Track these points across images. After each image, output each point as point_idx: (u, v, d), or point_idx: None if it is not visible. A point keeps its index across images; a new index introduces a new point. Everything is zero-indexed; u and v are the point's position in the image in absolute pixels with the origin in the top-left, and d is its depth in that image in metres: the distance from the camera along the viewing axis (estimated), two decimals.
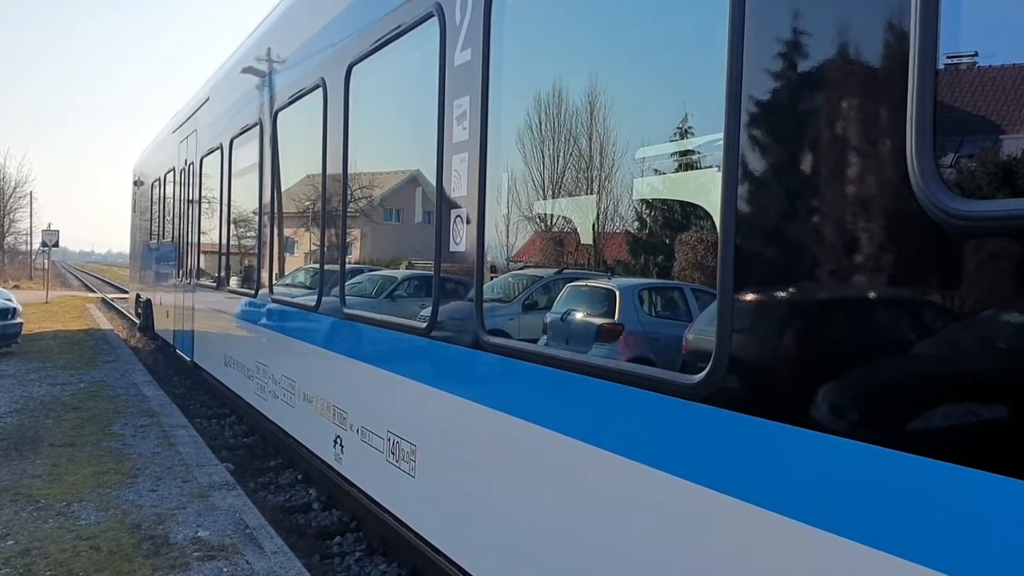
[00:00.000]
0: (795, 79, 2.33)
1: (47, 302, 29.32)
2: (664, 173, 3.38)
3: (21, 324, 16.03)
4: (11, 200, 64.07)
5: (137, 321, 20.02)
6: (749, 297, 2.41)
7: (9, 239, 65.66)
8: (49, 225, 35.19)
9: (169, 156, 14.19)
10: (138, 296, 19.40)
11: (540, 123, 3.90)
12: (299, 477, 8.13)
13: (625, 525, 2.89)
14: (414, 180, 5.14)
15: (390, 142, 5.60)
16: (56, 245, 34.09)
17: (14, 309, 15.81)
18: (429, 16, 4.46)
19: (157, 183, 15.89)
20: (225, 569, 5.16)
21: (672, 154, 3.26)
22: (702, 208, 3.10)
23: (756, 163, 2.43)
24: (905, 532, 1.93)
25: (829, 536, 2.10)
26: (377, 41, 5.15)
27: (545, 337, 3.88)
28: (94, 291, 44.30)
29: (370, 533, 6.38)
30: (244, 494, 6.85)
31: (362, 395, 5.53)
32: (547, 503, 3.39)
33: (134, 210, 20.46)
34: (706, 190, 2.87)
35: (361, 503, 5.73)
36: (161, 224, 15.43)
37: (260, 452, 9.22)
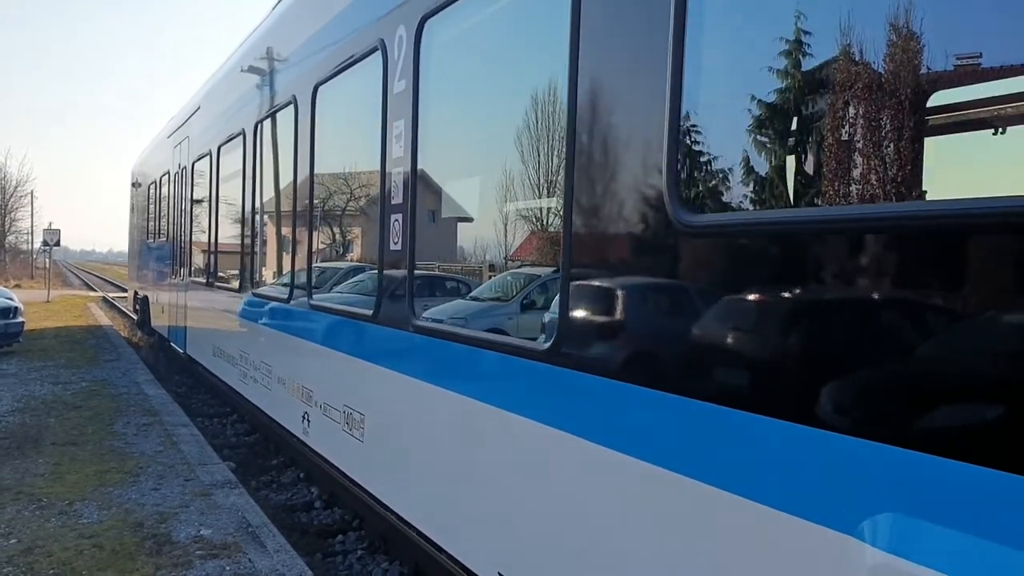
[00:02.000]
0: (591, 123, 3.20)
1: (48, 301, 29.34)
2: (533, 189, 4.31)
3: (23, 323, 16.04)
4: (12, 199, 64.09)
5: (135, 317, 20.73)
6: (577, 286, 3.27)
7: (10, 238, 65.67)
8: (50, 224, 35.19)
9: (164, 160, 14.90)
10: (136, 293, 20.30)
11: (459, 143, 4.97)
12: (301, 476, 8.14)
13: (501, 456, 3.81)
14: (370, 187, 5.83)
15: (349, 154, 6.23)
16: (57, 244, 34.10)
17: (16, 308, 15.82)
18: (374, 50, 5.15)
19: (153, 185, 16.57)
20: (228, 568, 5.17)
21: (533, 172, 4.24)
22: (556, 220, 4.00)
23: (581, 188, 3.26)
24: (671, 447, 2.74)
25: (627, 458, 2.92)
26: (337, 67, 5.83)
27: (453, 320, 4.73)
28: (95, 290, 44.34)
29: (372, 532, 6.39)
30: (246, 493, 6.86)
31: (324, 375, 6.29)
32: (452, 450, 4.33)
33: (132, 211, 21.14)
34: (557, 205, 3.83)
35: (326, 471, 6.47)
36: (156, 225, 16.22)
37: (262, 451, 9.24)
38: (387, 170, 4.96)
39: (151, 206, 16.92)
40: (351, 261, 6.52)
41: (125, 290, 33.10)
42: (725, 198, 2.84)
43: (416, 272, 4.75)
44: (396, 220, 4.88)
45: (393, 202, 4.90)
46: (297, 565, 5.26)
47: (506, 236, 4.61)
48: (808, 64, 2.52)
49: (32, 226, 62.67)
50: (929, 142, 2.35)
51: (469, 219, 5.37)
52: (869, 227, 2.17)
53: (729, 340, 2.58)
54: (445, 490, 4.42)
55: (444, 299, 5.11)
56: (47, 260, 39.00)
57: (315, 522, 6.94)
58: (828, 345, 2.27)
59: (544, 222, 4.36)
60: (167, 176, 14.48)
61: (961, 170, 2.50)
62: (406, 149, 4.70)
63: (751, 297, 2.55)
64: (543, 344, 3.44)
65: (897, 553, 1.95)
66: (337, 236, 6.43)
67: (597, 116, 3.19)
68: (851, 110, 2.44)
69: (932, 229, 2.01)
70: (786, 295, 2.46)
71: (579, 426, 3.18)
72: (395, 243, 4.90)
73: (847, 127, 2.45)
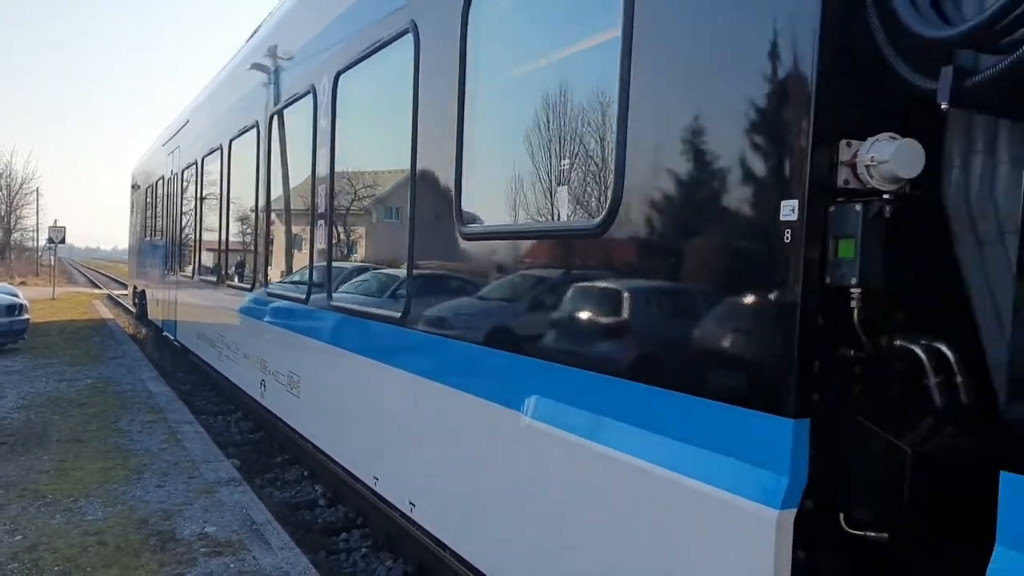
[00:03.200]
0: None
1: (54, 298, 29.42)
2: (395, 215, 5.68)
3: (28, 320, 16.08)
4: (18, 197, 64.26)
5: (134, 310, 21.92)
6: (416, 275, 4.77)
7: (16, 236, 65.87)
8: (56, 222, 35.30)
9: (159, 165, 16.31)
10: (135, 288, 21.90)
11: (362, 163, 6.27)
12: (305, 473, 8.14)
13: (376, 392, 5.35)
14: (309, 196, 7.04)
15: (296, 173, 7.48)
16: (63, 241, 34.19)
17: (21, 305, 15.86)
18: (307, 93, 6.73)
19: (150, 188, 17.92)
20: (232, 565, 5.17)
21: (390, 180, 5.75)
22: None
23: (418, 216, 4.74)
24: (451, 371, 4.28)
25: (438, 384, 4.40)
26: (290, 99, 7.25)
27: (358, 299, 5.96)
28: (100, 287, 44.43)
29: (376, 530, 6.39)
30: (250, 490, 6.87)
31: (275, 349, 7.78)
32: (354, 396, 5.80)
33: (132, 211, 22.37)
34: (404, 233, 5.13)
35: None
36: (152, 225, 17.69)
37: (266, 448, 9.24)
38: (315, 187, 6.57)
39: (148, 207, 18.29)
40: (293, 257, 8.00)
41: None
42: (479, 214, 4.23)
43: (334, 265, 6.28)
44: (320, 225, 6.50)
45: (318, 212, 6.51)
46: (301, 563, 5.26)
47: (387, 244, 6.11)
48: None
49: (37, 223, 62.81)
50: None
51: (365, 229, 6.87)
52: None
53: (480, 305, 4.07)
54: (345, 420, 5.99)
55: (354, 286, 6.25)
56: (52, 257, 39.07)
57: (319, 520, 6.94)
58: (505, 303, 3.90)
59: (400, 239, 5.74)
60: (162, 180, 15.82)
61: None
62: (328, 172, 6.24)
63: (490, 277, 4.01)
64: (399, 315, 4.85)
65: (542, 420, 3.40)
66: (286, 237, 8.03)
67: (426, 159, 4.61)
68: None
69: (547, 237, 3.68)
70: (498, 275, 3.96)
71: (419, 367, 4.64)
72: (320, 243, 6.49)
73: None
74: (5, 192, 62.81)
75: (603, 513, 2.97)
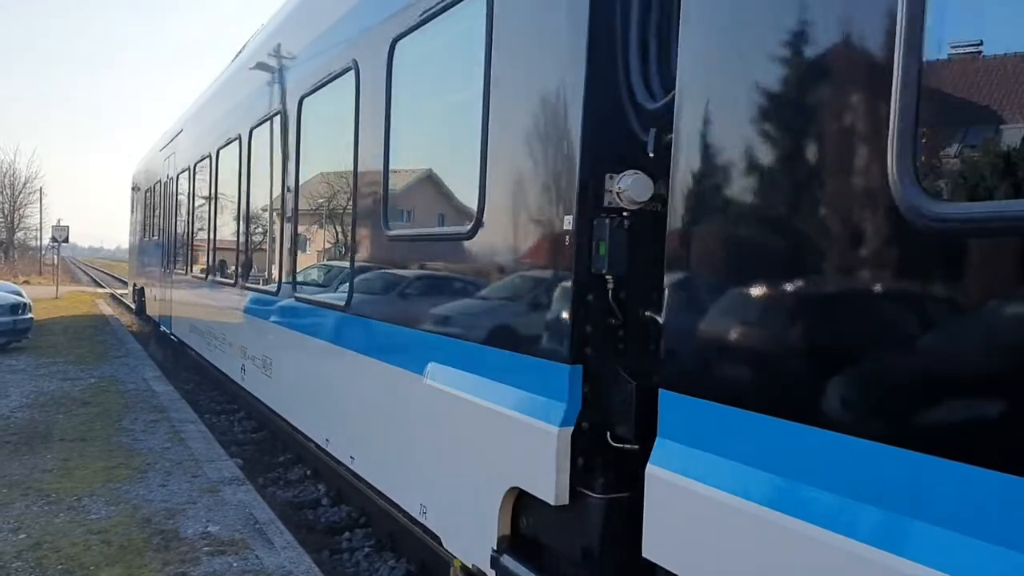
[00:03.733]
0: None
1: (57, 297, 29.48)
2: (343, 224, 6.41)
3: (32, 319, 16.11)
4: (21, 196, 64.34)
5: (133, 306, 22.82)
6: (357, 268, 5.62)
7: (19, 235, 65.95)
8: (59, 221, 35.36)
9: (157, 170, 17.45)
10: (134, 285, 23.10)
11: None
12: (308, 473, 8.16)
13: (326, 368, 6.30)
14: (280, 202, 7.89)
15: (272, 181, 8.20)
16: (66, 241, 34.24)
17: (25, 304, 15.89)
18: (272, 116, 7.96)
19: (149, 191, 18.96)
20: (235, 564, 5.18)
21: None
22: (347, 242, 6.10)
23: (358, 222, 5.68)
24: (374, 345, 5.29)
25: (364, 357, 5.43)
26: (265, 116, 8.16)
27: (316, 291, 6.87)
28: (103, 286, 44.50)
29: (379, 529, 6.40)
30: (253, 489, 6.88)
31: (252, 335, 8.79)
32: (311, 372, 6.76)
33: (132, 212, 23.47)
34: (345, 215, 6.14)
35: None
36: (149, 225, 18.85)
37: (269, 448, 9.26)
38: (285, 195, 7.48)
39: (146, 210, 19.56)
40: (266, 256, 8.92)
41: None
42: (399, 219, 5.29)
43: (298, 262, 7.17)
44: (287, 228, 7.40)
45: (286, 216, 7.39)
46: (304, 562, 5.26)
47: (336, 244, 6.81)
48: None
49: (41, 223, 62.88)
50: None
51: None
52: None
53: (406, 291, 5.01)
54: (303, 391, 6.95)
55: (313, 280, 7.10)
56: (56, 256, 39.15)
57: (322, 519, 6.95)
58: (389, 289, 5.19)
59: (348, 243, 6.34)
60: (159, 184, 16.94)
61: None
62: (294, 182, 7.24)
63: (406, 267, 5.06)
64: (344, 303, 5.72)
65: (433, 380, 4.32)
66: (260, 238, 9.03)
67: (363, 172, 5.55)
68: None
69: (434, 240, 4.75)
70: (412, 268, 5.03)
71: (358, 345, 5.56)
72: (287, 244, 7.37)
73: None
74: (9, 191, 62.92)
75: (462, 436, 4.08)
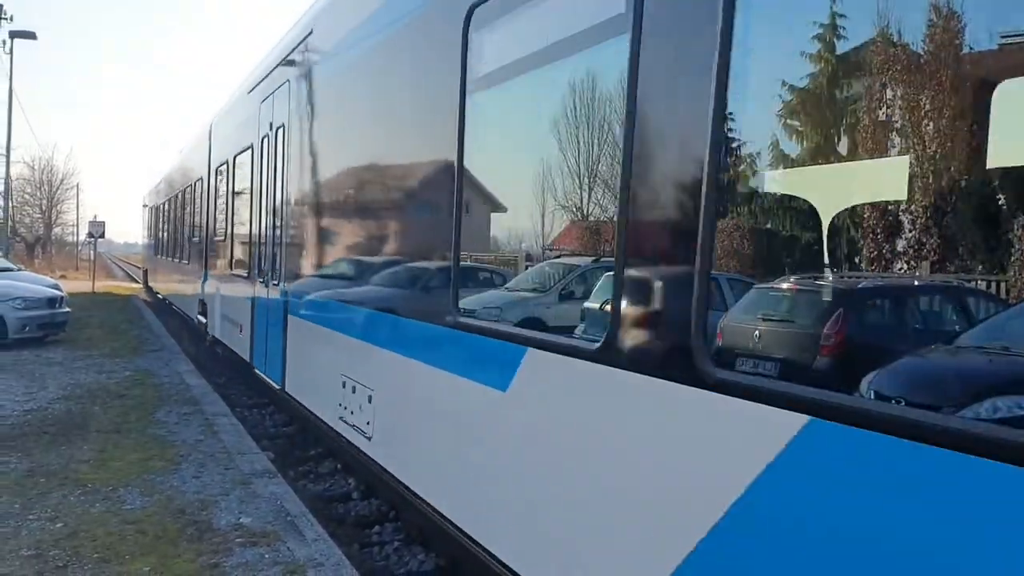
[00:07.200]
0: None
1: (93, 292, 29.97)
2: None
3: (68, 313, 16.40)
4: (58, 192, 65.62)
5: (140, 282, 31.13)
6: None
7: (56, 230, 67.30)
8: (95, 216, 35.90)
9: (158, 195, 25.31)
10: (146, 272, 32.96)
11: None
12: (338, 467, 8.20)
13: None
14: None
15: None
16: (102, 236, 34.76)
17: (61, 297, 16.18)
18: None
19: (154, 209, 27.93)
20: (267, 555, 5.22)
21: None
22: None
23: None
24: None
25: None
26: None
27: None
28: (138, 281, 45.18)
29: (409, 523, 6.41)
30: (285, 482, 6.93)
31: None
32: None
33: (143, 223, 32.87)
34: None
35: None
36: (156, 232, 27.38)
37: (300, 442, 9.32)
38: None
39: (153, 221, 28.76)
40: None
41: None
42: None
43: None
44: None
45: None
46: (335, 554, 5.29)
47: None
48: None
49: (77, 218, 64.22)
50: None
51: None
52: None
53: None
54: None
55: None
56: (92, 252, 39.82)
57: (352, 513, 6.98)
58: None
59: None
60: (162, 206, 24.51)
61: None
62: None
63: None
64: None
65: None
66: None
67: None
68: None
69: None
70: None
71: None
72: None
73: None
74: (46, 187, 64.19)
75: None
